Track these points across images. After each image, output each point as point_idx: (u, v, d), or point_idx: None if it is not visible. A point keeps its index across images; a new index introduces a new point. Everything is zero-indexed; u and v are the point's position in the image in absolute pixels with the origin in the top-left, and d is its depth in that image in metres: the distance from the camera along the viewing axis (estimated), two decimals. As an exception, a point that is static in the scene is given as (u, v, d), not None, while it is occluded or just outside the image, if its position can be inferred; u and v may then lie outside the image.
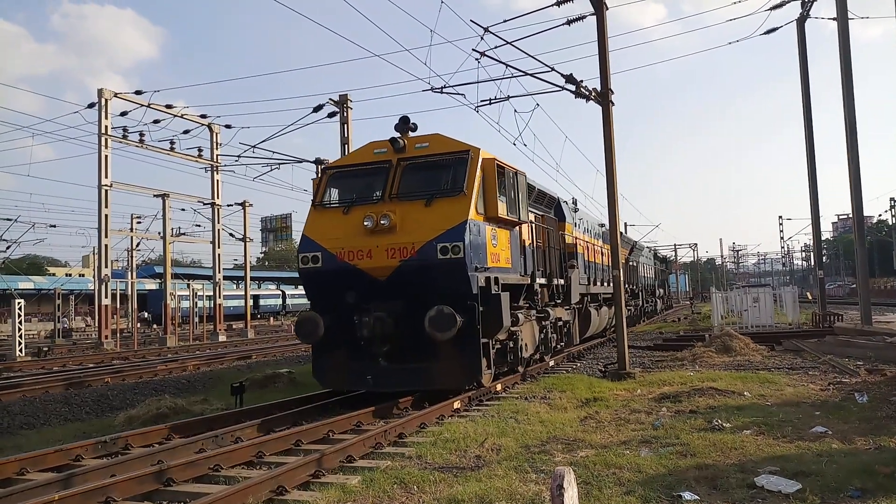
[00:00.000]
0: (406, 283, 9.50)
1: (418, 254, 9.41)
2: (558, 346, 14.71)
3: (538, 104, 16.94)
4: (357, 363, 9.87)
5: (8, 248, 44.19)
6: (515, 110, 16.07)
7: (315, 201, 10.67)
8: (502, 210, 10.59)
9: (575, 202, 20.74)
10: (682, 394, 9.66)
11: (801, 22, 24.09)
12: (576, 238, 16.99)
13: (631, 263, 27.76)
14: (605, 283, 20.40)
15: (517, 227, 11.61)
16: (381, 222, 9.64)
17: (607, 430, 7.80)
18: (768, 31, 20.34)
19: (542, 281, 13.12)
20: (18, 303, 23.91)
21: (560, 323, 14.50)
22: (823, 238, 34.18)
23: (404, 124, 10.73)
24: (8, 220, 41.09)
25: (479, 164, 10.19)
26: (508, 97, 14.85)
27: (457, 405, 9.49)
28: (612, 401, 9.75)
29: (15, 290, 43.18)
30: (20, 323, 23.68)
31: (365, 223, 9.70)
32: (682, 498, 5.16)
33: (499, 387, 11.08)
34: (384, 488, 5.76)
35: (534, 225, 13.16)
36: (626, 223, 58.54)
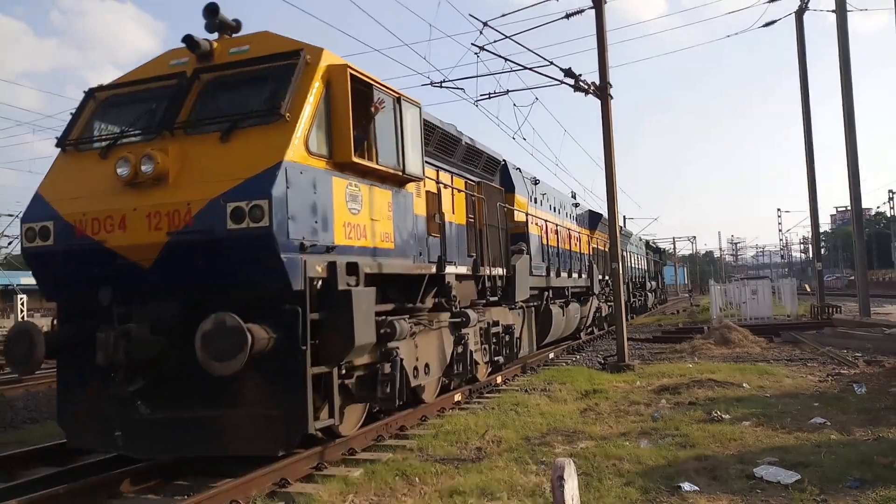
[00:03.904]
0: (182, 271, 5.87)
1: (196, 221, 5.70)
2: (497, 360, 10.92)
3: (537, 98, 16.93)
4: (107, 407, 6.08)
5: (10, 243, 44.12)
6: (514, 104, 15.98)
7: (64, 141, 6.78)
8: (367, 154, 6.81)
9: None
10: (682, 385, 9.71)
11: (799, 14, 24.12)
12: (530, 215, 13.43)
13: None
14: (578, 275, 17.15)
15: (411, 188, 7.89)
16: (143, 169, 5.86)
17: (607, 422, 7.85)
18: (767, 24, 20.28)
19: (461, 270, 9.36)
20: (21, 298, 24.00)
21: (498, 329, 10.79)
22: (822, 230, 34.24)
23: (212, 15, 6.82)
24: (10, 216, 40.78)
25: (320, 73, 6.37)
26: (507, 91, 14.91)
27: (457, 398, 9.54)
28: (612, 393, 9.80)
29: (17, 285, 43.13)
30: (23, 318, 23.77)
31: (118, 171, 5.93)
32: (682, 489, 5.21)
33: (499, 379, 11.14)
34: (386, 480, 5.81)
35: (456, 191, 9.69)
36: (624, 216, 58.56)
